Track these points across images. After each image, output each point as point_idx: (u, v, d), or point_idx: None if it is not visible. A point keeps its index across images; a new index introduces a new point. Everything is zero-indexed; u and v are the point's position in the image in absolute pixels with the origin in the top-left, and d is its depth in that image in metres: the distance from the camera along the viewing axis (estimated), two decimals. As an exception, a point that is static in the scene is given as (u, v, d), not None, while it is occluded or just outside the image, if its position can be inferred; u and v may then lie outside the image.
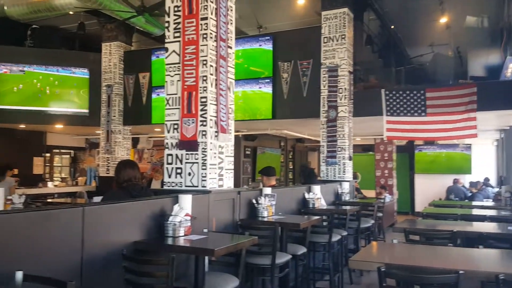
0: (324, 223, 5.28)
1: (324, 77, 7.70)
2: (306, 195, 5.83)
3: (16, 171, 9.21)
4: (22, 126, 11.03)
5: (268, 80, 8.55)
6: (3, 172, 8.05)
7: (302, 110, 8.31)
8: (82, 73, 10.43)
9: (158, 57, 9.75)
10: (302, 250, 4.49)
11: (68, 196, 10.24)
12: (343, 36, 7.63)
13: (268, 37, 8.66)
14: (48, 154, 12.93)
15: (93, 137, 13.14)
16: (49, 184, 11.23)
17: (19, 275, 2.15)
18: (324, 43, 7.76)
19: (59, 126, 11.03)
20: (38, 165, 12.28)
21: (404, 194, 13.48)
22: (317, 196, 5.91)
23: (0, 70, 9.83)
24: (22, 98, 9.99)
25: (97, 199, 4.85)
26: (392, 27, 11.13)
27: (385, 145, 12.43)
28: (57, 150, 13.53)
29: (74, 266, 2.62)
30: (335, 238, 5.20)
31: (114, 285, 2.83)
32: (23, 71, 9.99)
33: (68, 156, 14.04)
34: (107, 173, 9.94)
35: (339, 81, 7.58)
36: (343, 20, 7.63)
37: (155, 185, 8.59)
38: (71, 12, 9.16)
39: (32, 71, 10.05)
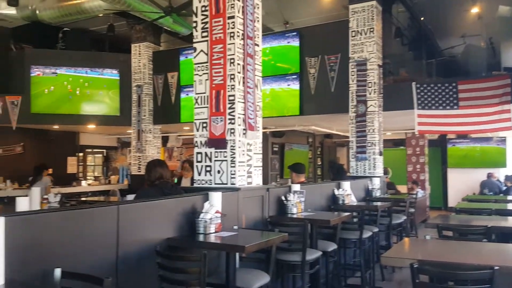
0: (355, 220, 5.23)
1: (353, 71, 7.61)
2: (336, 192, 5.78)
3: (51, 171, 9.51)
4: (56, 127, 11.36)
5: (295, 76, 8.52)
6: (39, 172, 8.34)
7: (330, 105, 8.25)
8: (111, 75, 10.65)
9: (186, 57, 9.86)
10: (332, 246, 4.47)
11: (101, 194, 10.50)
12: (371, 30, 7.52)
13: (295, 33, 8.63)
14: (81, 154, 13.29)
15: (125, 137, 13.41)
16: (83, 183, 11.53)
17: (57, 272, 2.22)
18: (352, 37, 7.67)
19: (91, 127, 11.32)
20: (72, 165, 12.63)
21: (436, 189, 13.20)
22: (347, 192, 5.86)
23: (33, 73, 10.14)
24: (53, 100, 10.27)
25: (130, 197, 4.95)
26: (422, 18, 10.88)
27: (416, 139, 12.20)
28: (90, 150, 13.89)
29: (109, 262, 2.70)
30: (366, 234, 5.14)
31: (148, 281, 2.90)
32: (55, 73, 10.29)
33: (100, 155, 14.38)
34: (139, 172, 10.14)
35: (368, 75, 7.48)
36: (371, 13, 7.52)
37: (185, 183, 8.70)
38: (100, 15, 9.36)
39: (63, 73, 10.33)
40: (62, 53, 10.74)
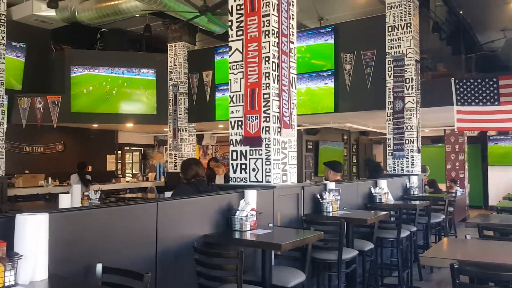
0: (392, 219, 5.14)
1: (390, 67, 7.46)
2: (373, 190, 5.70)
3: (90, 168, 9.81)
4: (95, 125, 11.70)
5: (330, 73, 8.44)
6: (83, 168, 8.68)
7: (366, 102, 8.12)
8: (148, 75, 10.86)
9: (222, 57, 9.95)
10: (369, 246, 4.41)
11: (139, 191, 10.75)
12: (408, 24, 7.34)
13: (330, 29, 8.54)
14: (120, 152, 13.64)
15: (161, 135, 13.67)
16: (122, 180, 11.83)
17: (99, 267, 2.28)
18: (389, 32, 7.52)
19: (129, 125, 11.60)
20: (111, 162, 12.99)
21: (476, 188, 12.79)
22: (384, 190, 5.76)
23: (73, 73, 10.48)
24: (92, 99, 10.57)
25: (167, 194, 5.04)
26: (461, 12, 10.53)
27: (456, 136, 11.85)
28: (128, 148, 14.24)
29: (149, 258, 2.76)
30: (404, 233, 5.04)
31: (186, 277, 2.94)
32: (94, 73, 10.58)
33: (138, 153, 14.73)
34: (175, 169, 10.30)
35: (405, 71, 7.32)
36: (408, 8, 7.35)
37: (218, 180, 8.79)
38: (137, 15, 9.55)
39: (101, 73, 10.61)
40: (100, 53, 11.05)
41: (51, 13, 9.59)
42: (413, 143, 7.29)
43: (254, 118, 4.04)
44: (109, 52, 10.97)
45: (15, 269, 1.88)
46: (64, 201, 4.20)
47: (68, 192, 4.69)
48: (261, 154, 4.01)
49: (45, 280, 2.00)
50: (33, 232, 1.98)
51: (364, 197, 5.65)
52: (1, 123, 6.67)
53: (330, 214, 4.38)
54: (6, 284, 1.85)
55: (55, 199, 7.77)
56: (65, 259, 2.26)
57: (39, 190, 9.00)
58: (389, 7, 7.52)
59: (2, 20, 6.76)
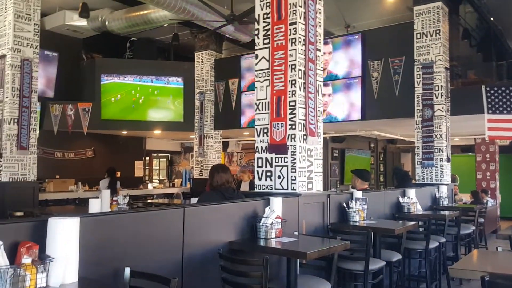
0: (421, 229, 5.04)
1: (418, 74, 7.35)
2: (401, 199, 5.60)
3: (119, 174, 10.00)
4: (124, 132, 11.94)
5: (357, 80, 8.38)
6: (112, 173, 8.88)
7: (394, 109, 8.01)
8: (176, 83, 11.04)
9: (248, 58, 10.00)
10: (397, 256, 4.33)
11: (166, 197, 10.89)
12: (437, 31, 7.23)
13: (357, 36, 8.49)
14: (147, 158, 13.86)
15: (188, 142, 13.82)
16: (149, 185, 12.00)
17: (127, 271, 2.31)
18: (417, 39, 7.41)
19: (157, 132, 11.78)
20: (138, 168, 13.21)
21: (508, 198, 12.40)
22: (413, 200, 5.65)
23: (103, 81, 10.73)
24: (121, 106, 10.80)
25: (193, 200, 5.09)
26: (491, 19, 10.30)
27: (486, 146, 11.54)
28: (155, 154, 14.47)
29: (175, 263, 2.79)
30: (433, 245, 4.94)
31: (211, 283, 2.95)
32: (123, 81, 10.82)
33: (165, 159, 14.94)
34: (201, 176, 10.39)
35: (434, 78, 7.19)
36: (437, 15, 7.23)
37: (243, 186, 8.83)
38: (165, 24, 9.73)
39: (131, 81, 10.84)
40: (129, 62, 11.30)
41: (83, 22, 9.88)
42: (442, 151, 7.14)
43: (280, 126, 4.04)
44: (138, 60, 11.20)
45: (47, 271, 1.93)
46: (94, 206, 4.29)
47: (97, 197, 4.79)
48: (287, 162, 4.01)
49: (75, 283, 2.04)
50: (64, 235, 2.02)
51: (391, 207, 5.56)
52: (34, 129, 6.88)
53: (357, 224, 4.32)
54: (38, 286, 1.89)
55: (84, 203, 7.97)
56: (94, 262, 2.30)
57: (69, 195, 9.23)
58: (417, 14, 7.42)
59: (36, 30, 6.98)
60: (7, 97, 6.65)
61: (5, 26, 6.81)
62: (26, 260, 1.88)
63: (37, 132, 7.01)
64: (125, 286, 2.28)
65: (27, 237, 2.03)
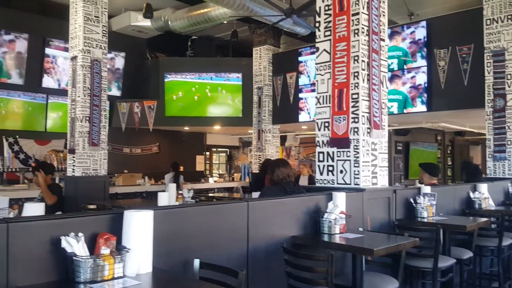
0: (493, 226, 4.77)
1: (489, 62, 6.93)
2: (471, 195, 5.33)
3: (182, 168, 10.31)
4: (186, 128, 12.29)
5: (423, 70, 8.05)
6: (176, 168, 9.19)
7: (463, 100, 7.62)
8: (236, 80, 11.19)
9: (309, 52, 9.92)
10: (467, 254, 4.13)
11: (226, 191, 11.08)
12: (509, 17, 6.76)
13: (422, 24, 8.15)
14: (207, 153, 14.18)
15: (246, 136, 13.97)
16: (210, 179, 12.28)
17: (196, 262, 2.39)
18: (487, 25, 6.98)
19: (216, 127, 12.02)
20: (200, 163, 13.55)
21: None
22: (484, 195, 5.36)
23: (167, 79, 11.09)
24: (184, 103, 11.13)
25: (255, 194, 5.14)
26: None
27: None
28: (215, 149, 14.76)
29: (241, 256, 2.83)
30: (506, 242, 4.66)
31: (275, 277, 2.97)
32: (185, 79, 11.12)
33: (224, 154, 15.20)
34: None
35: (506, 66, 6.75)
36: (509, -1, 6.78)
37: (302, 180, 8.80)
38: (225, 22, 9.87)
39: (192, 79, 11.13)
40: (190, 60, 11.61)
41: (147, 23, 10.25)
42: (516, 144, 6.70)
43: (341, 119, 3.97)
44: (199, 58, 11.48)
45: (123, 261, 2.03)
46: (163, 199, 4.46)
47: (164, 191, 4.97)
48: (349, 156, 3.93)
49: (150, 273, 2.13)
50: (140, 227, 2.12)
51: (461, 202, 5.31)
52: (104, 126, 7.24)
53: (425, 220, 4.17)
54: (115, 275, 2.00)
55: (151, 197, 8.30)
56: (166, 253, 2.38)
57: (137, 189, 9.65)
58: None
59: (104, 31, 7.33)
60: (79, 96, 7.04)
61: (76, 28, 7.20)
62: (105, 250, 2.00)
63: (107, 129, 7.36)
64: (195, 276, 2.35)
65: (104, 229, 2.14)
